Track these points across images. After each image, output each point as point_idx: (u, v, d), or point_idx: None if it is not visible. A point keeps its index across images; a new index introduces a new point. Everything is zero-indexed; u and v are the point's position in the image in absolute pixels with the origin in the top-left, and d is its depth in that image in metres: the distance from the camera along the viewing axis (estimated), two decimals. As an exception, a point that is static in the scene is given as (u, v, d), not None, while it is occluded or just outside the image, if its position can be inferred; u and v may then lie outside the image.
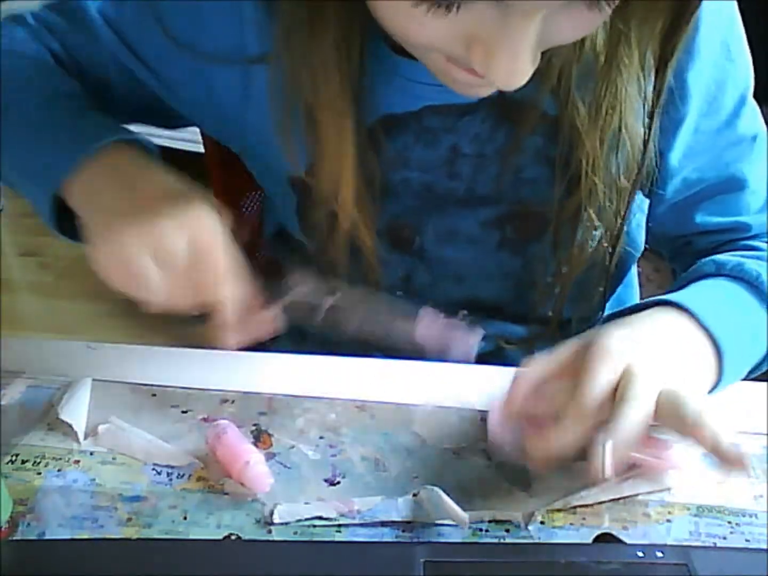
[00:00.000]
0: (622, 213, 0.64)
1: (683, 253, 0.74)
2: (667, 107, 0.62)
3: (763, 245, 0.70)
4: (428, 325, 0.54)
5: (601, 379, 0.51)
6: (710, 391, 0.58)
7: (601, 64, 0.58)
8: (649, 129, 0.61)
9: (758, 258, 0.67)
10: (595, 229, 0.65)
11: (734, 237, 0.70)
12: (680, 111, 0.64)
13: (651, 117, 0.60)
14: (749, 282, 0.64)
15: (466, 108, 0.64)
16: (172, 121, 0.76)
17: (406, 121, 0.64)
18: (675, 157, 0.67)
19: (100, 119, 0.65)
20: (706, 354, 0.57)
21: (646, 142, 0.61)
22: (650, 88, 0.59)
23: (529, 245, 0.69)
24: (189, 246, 0.54)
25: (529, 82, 0.56)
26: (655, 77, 0.58)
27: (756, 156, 0.69)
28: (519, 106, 0.62)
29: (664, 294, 0.61)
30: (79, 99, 0.67)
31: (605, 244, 0.67)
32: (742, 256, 0.67)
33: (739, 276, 0.65)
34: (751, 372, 0.64)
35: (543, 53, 0.49)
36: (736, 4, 0.65)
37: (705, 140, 0.67)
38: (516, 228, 0.69)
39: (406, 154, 0.66)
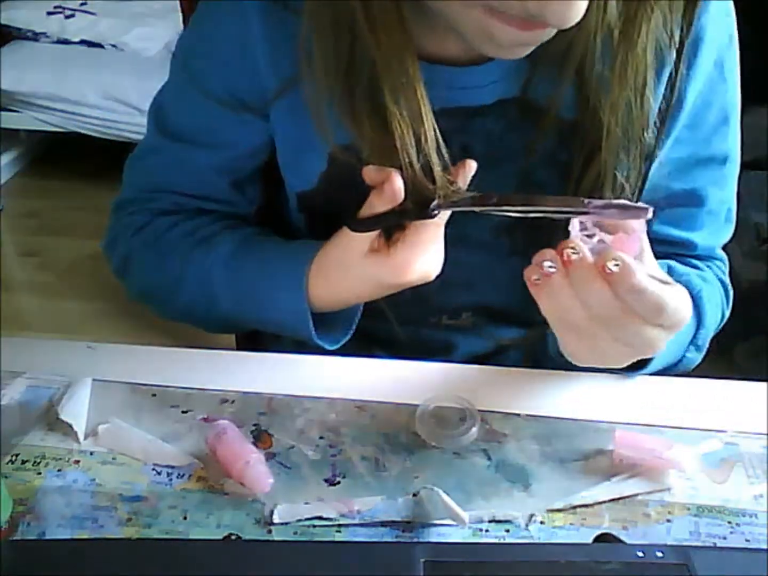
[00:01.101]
0: (644, 173, 0.64)
1: None
2: (665, 116, 0.63)
3: (703, 266, 0.72)
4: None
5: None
6: (627, 368, 0.59)
7: (622, 23, 0.57)
8: (676, 73, 0.60)
9: (701, 277, 0.70)
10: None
11: (681, 252, 0.72)
12: (675, 121, 0.65)
13: (678, 60, 0.59)
14: (691, 294, 0.65)
15: (480, 109, 0.63)
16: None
17: None
18: (658, 161, 0.67)
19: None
20: None
21: (673, 88, 0.61)
22: (677, 33, 0.59)
23: (538, 251, 0.69)
24: None
25: (551, 66, 0.57)
26: (684, 14, 0.58)
27: (722, 178, 0.70)
28: (534, 107, 0.62)
29: None
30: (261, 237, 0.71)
31: None
32: (691, 269, 0.70)
33: (684, 285, 0.65)
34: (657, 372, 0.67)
35: (563, 36, 0.49)
36: (735, 22, 0.65)
37: (681, 150, 0.67)
38: (526, 234, 0.69)
39: None
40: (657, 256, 0.71)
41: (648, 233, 0.70)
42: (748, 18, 0.66)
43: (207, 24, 0.67)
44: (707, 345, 0.70)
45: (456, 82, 0.62)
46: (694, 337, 0.67)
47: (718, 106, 0.66)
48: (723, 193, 0.71)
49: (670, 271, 0.68)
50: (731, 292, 0.75)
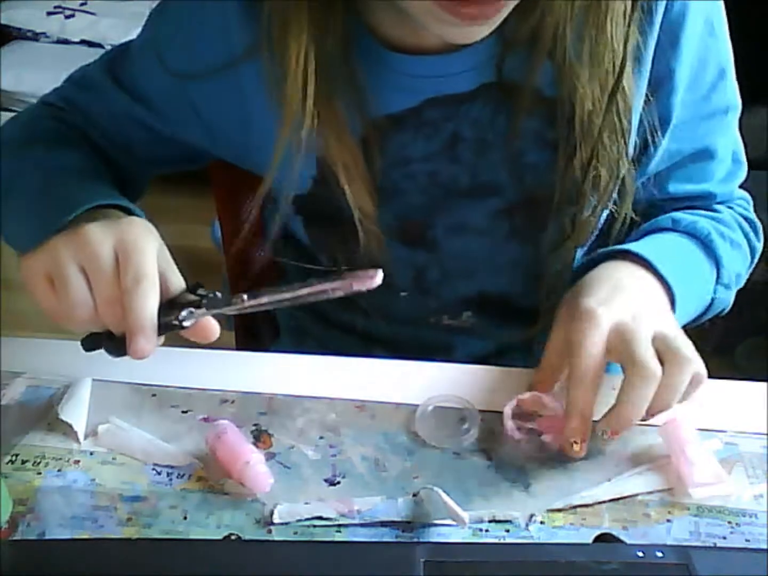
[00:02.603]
0: (628, 148, 0.64)
1: (651, 215, 0.75)
2: (658, 86, 0.64)
3: (722, 209, 0.74)
4: None
5: (593, 350, 0.56)
6: None
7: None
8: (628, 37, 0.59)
9: (713, 218, 0.72)
10: (601, 182, 0.65)
11: (700, 204, 0.74)
12: (670, 91, 0.65)
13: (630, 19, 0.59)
14: (699, 239, 0.70)
15: (465, 96, 0.64)
16: (195, 162, 0.79)
17: (406, 119, 0.64)
18: (668, 129, 0.67)
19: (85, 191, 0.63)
20: (662, 298, 0.62)
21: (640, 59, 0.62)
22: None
23: (537, 233, 0.69)
24: (116, 247, 0.53)
25: (523, 49, 0.59)
26: None
27: (726, 127, 0.71)
28: (517, 89, 0.62)
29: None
30: (73, 172, 0.67)
31: (612, 208, 0.67)
32: (698, 215, 0.72)
33: (691, 233, 0.70)
34: (693, 321, 0.71)
35: (531, 15, 0.54)
36: None
37: (686, 113, 0.68)
38: (524, 217, 0.69)
39: (408, 151, 0.66)
40: (675, 210, 0.73)
41: (669, 194, 0.72)
42: (748, 16, 0.66)
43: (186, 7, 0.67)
44: (737, 280, 0.72)
45: (436, 70, 0.63)
46: (718, 276, 0.70)
47: (715, 63, 0.67)
48: (729, 140, 0.72)
49: (675, 224, 0.70)
50: (759, 225, 0.76)
